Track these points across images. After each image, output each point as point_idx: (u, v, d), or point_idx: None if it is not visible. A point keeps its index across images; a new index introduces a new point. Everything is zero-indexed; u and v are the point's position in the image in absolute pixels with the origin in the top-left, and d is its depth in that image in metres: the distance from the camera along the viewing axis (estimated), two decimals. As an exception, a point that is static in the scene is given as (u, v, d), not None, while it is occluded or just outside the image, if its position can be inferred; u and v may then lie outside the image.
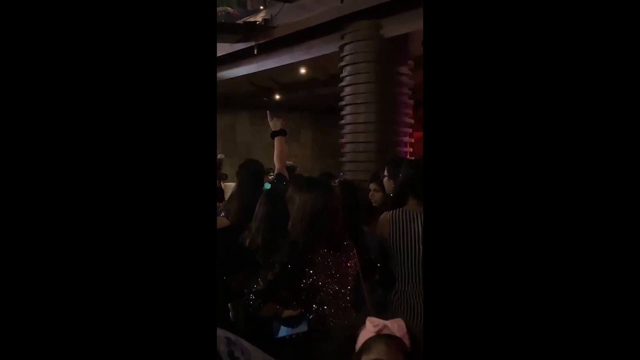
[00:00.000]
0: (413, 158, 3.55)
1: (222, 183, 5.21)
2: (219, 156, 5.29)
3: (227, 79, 5.92)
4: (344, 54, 4.23)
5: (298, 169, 3.25)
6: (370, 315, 0.96)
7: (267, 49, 4.89)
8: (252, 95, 7.33)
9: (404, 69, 4.24)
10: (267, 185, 2.89)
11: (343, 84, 4.28)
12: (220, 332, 0.82)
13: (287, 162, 3.14)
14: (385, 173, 2.41)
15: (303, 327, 1.72)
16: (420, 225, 1.85)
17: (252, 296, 1.66)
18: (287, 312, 1.75)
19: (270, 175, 3.50)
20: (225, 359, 0.78)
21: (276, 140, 2.67)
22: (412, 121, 4.29)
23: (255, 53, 4.77)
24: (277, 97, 7.58)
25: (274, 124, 2.66)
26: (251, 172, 2.53)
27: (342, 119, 4.34)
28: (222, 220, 2.25)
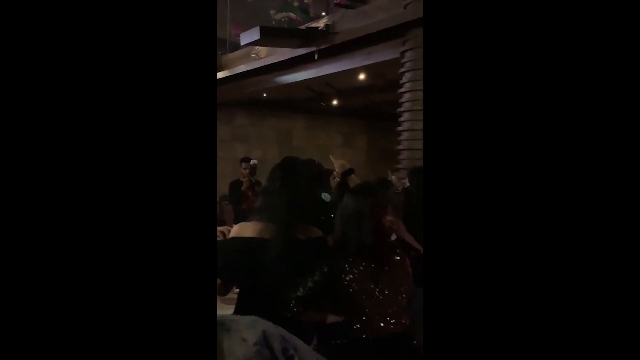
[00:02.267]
0: None
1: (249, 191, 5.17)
2: (253, 162, 5.30)
3: (284, 84, 6.01)
4: (405, 60, 4.20)
5: (354, 173, 3.22)
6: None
7: (327, 55, 4.92)
8: (309, 100, 7.39)
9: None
10: (326, 196, 2.87)
11: (402, 90, 4.24)
12: (275, 330, 0.81)
13: (344, 163, 3.15)
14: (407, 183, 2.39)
15: (348, 334, 1.70)
16: None
17: (292, 303, 1.66)
18: (332, 318, 1.74)
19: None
20: (279, 356, 0.77)
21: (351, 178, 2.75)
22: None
23: (316, 58, 4.82)
24: (334, 102, 7.60)
25: (339, 166, 2.72)
26: (309, 174, 2.48)
27: (400, 125, 4.30)
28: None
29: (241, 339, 0.75)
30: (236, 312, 1.88)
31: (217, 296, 2.13)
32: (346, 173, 3.08)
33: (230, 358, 0.74)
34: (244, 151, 7.95)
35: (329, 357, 1.68)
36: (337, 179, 3.29)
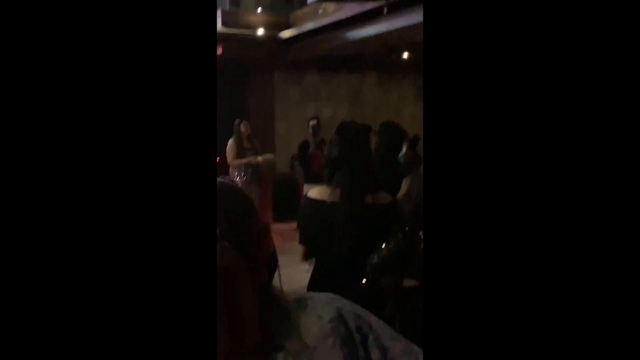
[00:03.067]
0: None
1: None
2: (312, 122, 5.23)
3: (353, 40, 5.88)
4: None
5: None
6: None
7: (397, 8, 4.73)
8: (380, 56, 7.21)
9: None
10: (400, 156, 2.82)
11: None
12: (350, 307, 0.82)
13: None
14: None
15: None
16: None
17: (368, 269, 1.67)
18: (407, 283, 1.74)
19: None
20: (354, 333, 0.78)
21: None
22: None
23: (385, 13, 4.65)
24: (405, 56, 7.37)
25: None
26: (391, 137, 2.40)
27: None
28: (322, 192, 2.00)
29: (317, 315, 0.76)
30: (312, 280, 1.92)
31: (301, 261, 2.15)
32: (412, 144, 3.00)
33: (306, 335, 0.75)
34: (314, 110, 7.94)
35: (405, 322, 1.69)
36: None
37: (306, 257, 1.99)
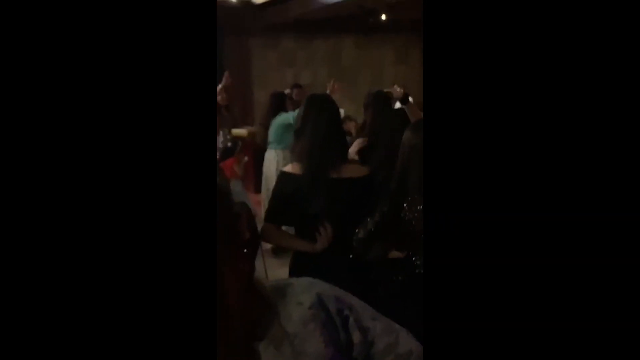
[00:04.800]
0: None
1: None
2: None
3: (329, 4, 5.75)
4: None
5: (411, 97, 3.08)
6: None
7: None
8: (358, 18, 7.07)
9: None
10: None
11: None
12: (330, 291, 0.81)
13: (398, 88, 3.03)
14: None
15: (408, 269, 1.69)
16: None
17: (354, 244, 1.66)
18: (394, 254, 1.74)
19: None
20: (335, 317, 0.77)
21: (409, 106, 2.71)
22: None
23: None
24: (383, 17, 7.24)
25: (397, 94, 2.72)
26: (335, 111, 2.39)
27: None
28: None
29: (297, 302, 0.76)
30: (294, 257, 1.90)
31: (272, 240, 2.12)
32: (403, 101, 2.93)
33: (287, 322, 0.74)
34: (292, 76, 7.82)
35: (390, 293, 1.69)
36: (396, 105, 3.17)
37: (268, 219, 1.94)
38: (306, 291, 0.77)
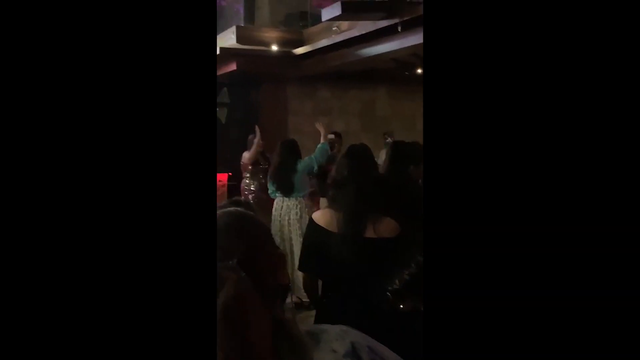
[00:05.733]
0: None
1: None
2: (329, 136, 5.20)
3: (366, 56, 5.91)
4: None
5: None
6: None
7: (411, 25, 4.76)
8: (393, 71, 7.23)
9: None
10: None
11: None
12: (363, 340, 0.82)
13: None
14: None
15: None
16: None
17: (390, 295, 1.66)
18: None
19: None
20: None
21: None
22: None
23: (399, 30, 4.68)
24: (419, 71, 7.38)
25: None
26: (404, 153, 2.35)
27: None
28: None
29: (331, 350, 0.76)
30: (320, 308, 1.90)
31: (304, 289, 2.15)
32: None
33: None
34: (327, 125, 7.97)
35: (418, 344, 1.68)
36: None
37: (300, 267, 1.99)
38: (340, 339, 0.78)
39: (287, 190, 4.30)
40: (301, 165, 4.32)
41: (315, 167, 4.46)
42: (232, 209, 0.80)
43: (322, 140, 4.63)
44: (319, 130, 4.69)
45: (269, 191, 4.45)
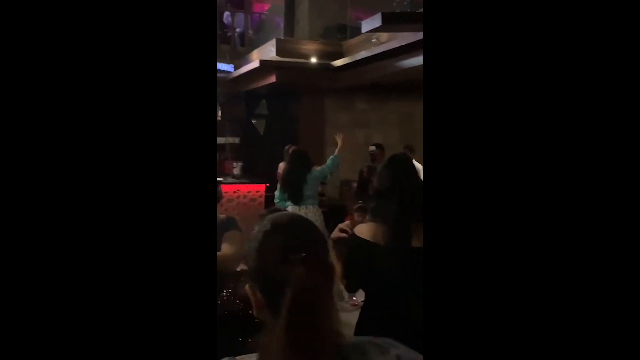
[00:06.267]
0: None
1: None
2: (370, 148, 5.17)
3: (404, 68, 5.90)
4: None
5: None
6: None
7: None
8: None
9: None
10: None
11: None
12: (408, 354, 0.81)
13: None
14: None
15: None
16: None
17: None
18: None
19: None
20: None
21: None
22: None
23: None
24: (458, 83, 7.32)
25: None
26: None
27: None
28: (370, 229, 1.87)
29: None
30: (362, 317, 1.89)
31: (348, 292, 2.16)
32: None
33: None
34: (364, 136, 7.97)
35: None
36: None
37: (349, 290, 1.97)
38: (386, 352, 0.77)
39: (297, 199, 4.32)
40: (313, 175, 4.36)
41: (328, 177, 4.58)
42: (289, 212, 0.82)
43: (336, 152, 4.70)
44: (356, 142, 4.68)
45: (275, 200, 4.45)
